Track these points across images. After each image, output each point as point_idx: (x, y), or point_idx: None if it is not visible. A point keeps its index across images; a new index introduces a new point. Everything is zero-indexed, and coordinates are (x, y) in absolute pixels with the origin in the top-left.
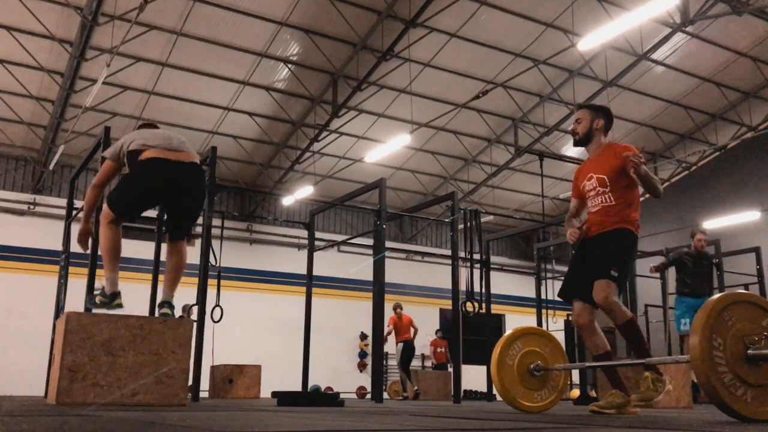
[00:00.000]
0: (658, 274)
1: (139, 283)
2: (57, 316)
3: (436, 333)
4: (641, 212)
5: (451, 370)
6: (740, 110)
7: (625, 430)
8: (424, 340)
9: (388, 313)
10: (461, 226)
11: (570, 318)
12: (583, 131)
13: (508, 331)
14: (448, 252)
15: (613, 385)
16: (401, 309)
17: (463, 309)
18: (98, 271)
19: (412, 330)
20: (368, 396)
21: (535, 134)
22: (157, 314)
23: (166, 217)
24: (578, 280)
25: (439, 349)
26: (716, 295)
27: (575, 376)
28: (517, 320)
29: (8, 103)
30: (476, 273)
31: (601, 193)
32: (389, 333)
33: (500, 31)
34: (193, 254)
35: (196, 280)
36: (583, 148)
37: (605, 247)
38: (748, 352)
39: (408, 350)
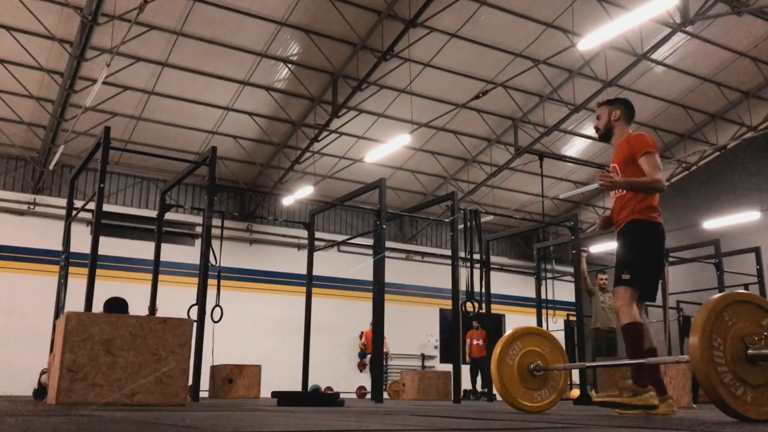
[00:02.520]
0: None
1: (140, 283)
2: (57, 316)
3: (473, 324)
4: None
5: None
6: (740, 110)
7: (625, 430)
8: (423, 340)
9: (389, 313)
10: (461, 226)
11: (569, 318)
12: (603, 125)
13: (508, 331)
14: (448, 252)
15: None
16: None
17: (463, 309)
18: (99, 272)
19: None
20: (368, 396)
21: (535, 134)
22: None
23: None
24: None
25: (476, 341)
26: (716, 295)
27: (575, 376)
28: (517, 320)
29: (8, 103)
30: (476, 273)
31: None
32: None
33: (500, 31)
34: (193, 254)
35: (196, 280)
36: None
37: (618, 249)
38: (748, 352)
39: None
